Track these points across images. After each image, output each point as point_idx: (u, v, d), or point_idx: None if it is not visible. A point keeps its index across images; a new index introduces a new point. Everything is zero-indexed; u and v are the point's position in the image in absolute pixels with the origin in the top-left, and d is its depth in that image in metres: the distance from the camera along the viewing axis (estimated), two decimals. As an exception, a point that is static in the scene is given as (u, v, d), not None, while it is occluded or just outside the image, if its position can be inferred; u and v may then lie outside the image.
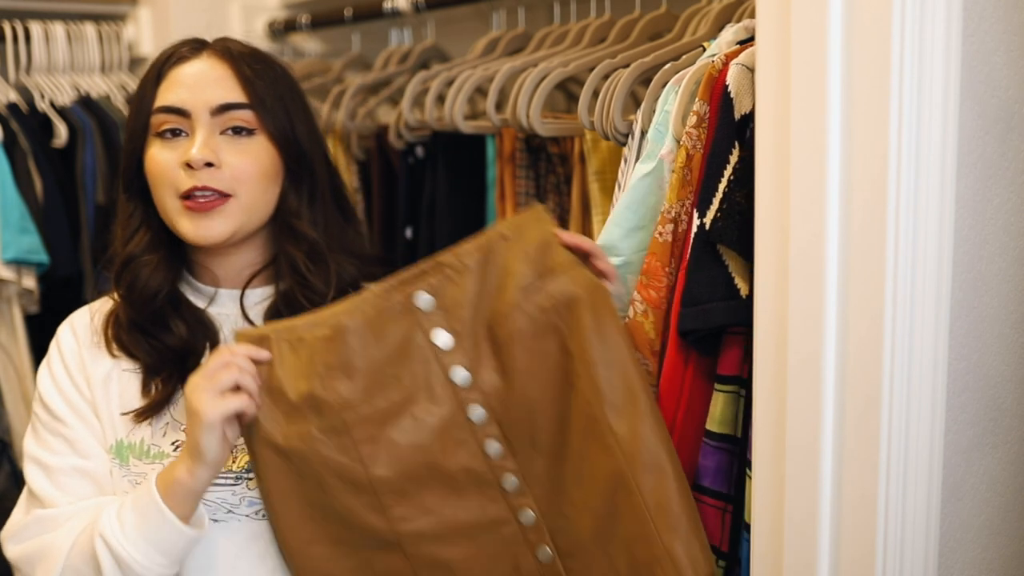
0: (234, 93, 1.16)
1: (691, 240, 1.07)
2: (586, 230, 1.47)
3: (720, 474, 1.09)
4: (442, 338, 1.08)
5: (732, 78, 1.05)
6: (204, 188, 1.12)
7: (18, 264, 1.98)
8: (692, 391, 1.11)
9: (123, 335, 1.18)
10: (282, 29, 2.30)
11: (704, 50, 1.19)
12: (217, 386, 1.02)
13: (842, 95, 0.89)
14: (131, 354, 1.18)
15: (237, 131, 1.16)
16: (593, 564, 1.07)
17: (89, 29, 2.27)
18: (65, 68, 2.23)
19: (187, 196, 1.13)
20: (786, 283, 0.95)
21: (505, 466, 1.09)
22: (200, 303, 1.22)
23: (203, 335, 1.19)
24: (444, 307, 1.08)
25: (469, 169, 1.69)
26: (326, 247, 1.20)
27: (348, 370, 1.06)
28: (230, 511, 1.12)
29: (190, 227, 1.14)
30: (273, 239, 1.22)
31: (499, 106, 1.57)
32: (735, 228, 1.02)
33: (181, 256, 1.22)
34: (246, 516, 1.12)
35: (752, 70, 1.04)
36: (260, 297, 1.23)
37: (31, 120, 2.10)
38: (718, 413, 1.07)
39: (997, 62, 0.95)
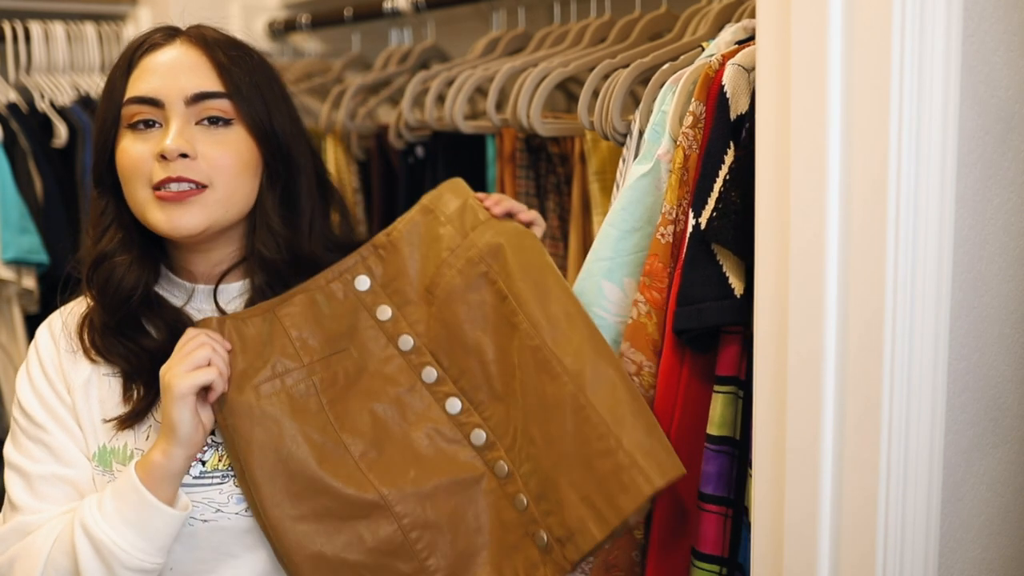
0: (209, 81, 1.11)
1: (686, 239, 1.08)
2: (586, 230, 1.47)
3: (722, 479, 1.08)
4: (385, 312, 1.15)
5: (728, 78, 1.05)
6: (180, 179, 1.08)
7: (18, 264, 1.98)
8: (688, 391, 1.10)
9: (98, 339, 1.14)
10: (282, 29, 2.30)
11: (703, 50, 1.19)
12: (189, 362, 1.04)
13: (842, 95, 0.89)
14: (109, 359, 1.14)
15: (213, 121, 1.11)
16: (563, 500, 1.05)
17: (89, 29, 2.27)
18: (65, 68, 2.24)
19: (160, 187, 1.08)
20: (786, 283, 0.95)
21: (470, 421, 1.12)
22: (178, 301, 1.18)
23: (182, 332, 1.13)
24: (382, 284, 1.16)
25: (469, 169, 1.68)
26: (306, 241, 1.17)
27: (309, 339, 1.13)
28: (218, 510, 1.10)
29: (163, 218, 1.09)
30: (249, 233, 1.17)
31: (499, 106, 1.57)
32: (730, 227, 1.02)
33: (156, 254, 1.18)
34: (235, 514, 1.10)
35: (748, 70, 1.05)
36: (237, 292, 1.19)
37: (31, 120, 2.11)
38: (717, 416, 1.07)
39: (997, 62, 0.95)
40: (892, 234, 0.87)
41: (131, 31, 2.36)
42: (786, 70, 0.92)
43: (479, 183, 1.68)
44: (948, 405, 0.95)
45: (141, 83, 1.11)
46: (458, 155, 1.72)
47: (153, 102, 1.10)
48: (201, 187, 1.09)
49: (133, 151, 1.10)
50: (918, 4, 0.85)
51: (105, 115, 1.14)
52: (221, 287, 1.18)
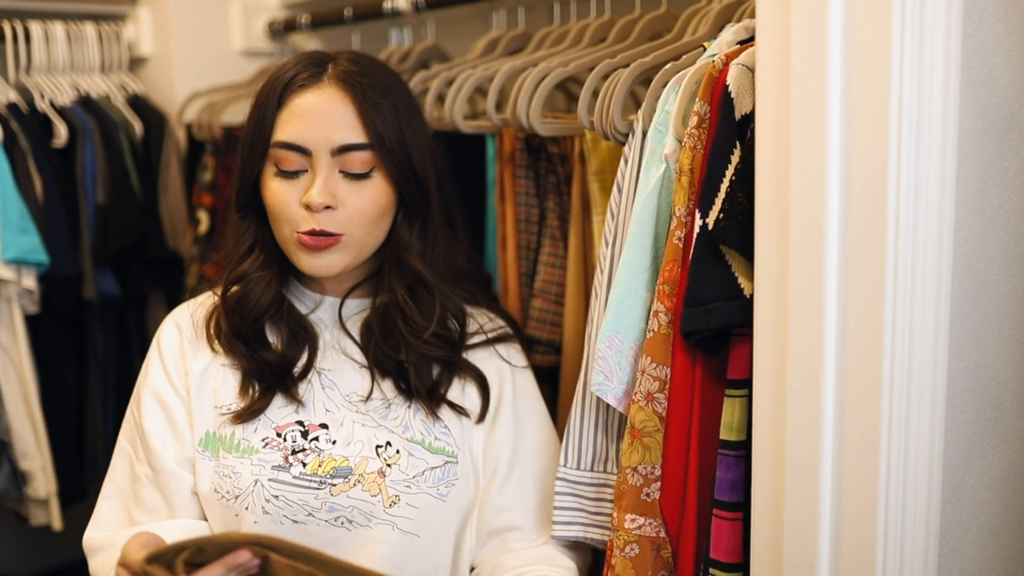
0: (355, 132, 1.16)
1: (693, 241, 1.07)
2: (586, 230, 1.46)
3: (738, 484, 1.06)
4: None
5: (732, 78, 1.04)
6: (321, 231, 1.15)
7: (18, 264, 1.98)
8: (704, 396, 1.08)
9: (223, 340, 1.22)
10: (282, 29, 2.30)
11: (704, 50, 1.18)
12: None
13: (842, 95, 0.89)
14: (230, 354, 1.22)
15: (355, 176, 1.17)
16: None
17: (89, 29, 2.27)
18: (65, 68, 2.24)
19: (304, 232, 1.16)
20: (786, 283, 0.95)
21: None
22: (304, 309, 1.26)
23: (304, 338, 1.23)
24: None
25: (469, 169, 1.68)
26: (435, 275, 1.23)
27: None
28: (310, 514, 1.13)
29: (306, 261, 1.18)
30: (380, 256, 1.24)
31: (499, 106, 1.57)
32: (737, 228, 1.02)
33: (290, 267, 1.24)
34: (324, 521, 1.13)
35: (753, 70, 1.04)
36: (358, 308, 1.27)
37: (31, 120, 2.10)
38: (735, 421, 1.04)
39: (997, 62, 0.95)
40: (892, 234, 0.87)
41: (131, 31, 2.36)
42: (786, 70, 0.92)
43: (479, 183, 1.68)
44: (948, 405, 0.95)
45: (291, 127, 1.16)
46: (458, 155, 1.71)
47: (301, 150, 1.16)
48: (339, 236, 1.17)
49: (281, 194, 1.17)
50: (918, 4, 0.85)
51: (253, 147, 1.19)
52: (346, 301, 1.27)
